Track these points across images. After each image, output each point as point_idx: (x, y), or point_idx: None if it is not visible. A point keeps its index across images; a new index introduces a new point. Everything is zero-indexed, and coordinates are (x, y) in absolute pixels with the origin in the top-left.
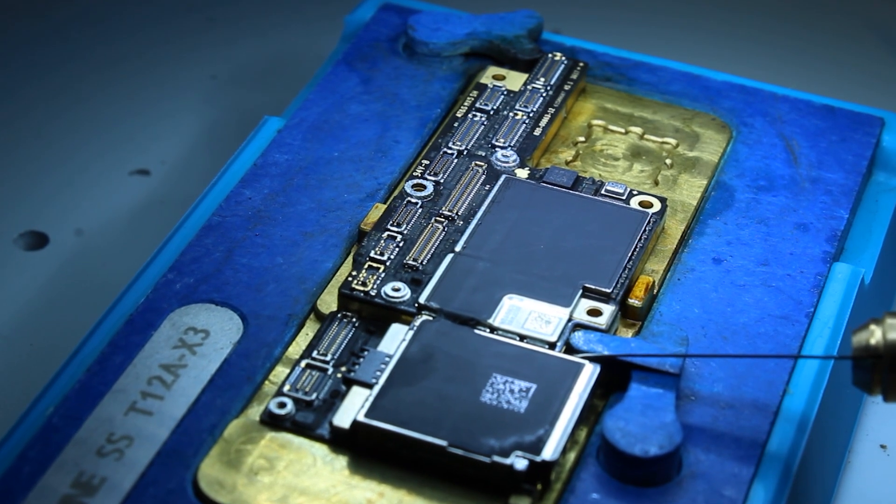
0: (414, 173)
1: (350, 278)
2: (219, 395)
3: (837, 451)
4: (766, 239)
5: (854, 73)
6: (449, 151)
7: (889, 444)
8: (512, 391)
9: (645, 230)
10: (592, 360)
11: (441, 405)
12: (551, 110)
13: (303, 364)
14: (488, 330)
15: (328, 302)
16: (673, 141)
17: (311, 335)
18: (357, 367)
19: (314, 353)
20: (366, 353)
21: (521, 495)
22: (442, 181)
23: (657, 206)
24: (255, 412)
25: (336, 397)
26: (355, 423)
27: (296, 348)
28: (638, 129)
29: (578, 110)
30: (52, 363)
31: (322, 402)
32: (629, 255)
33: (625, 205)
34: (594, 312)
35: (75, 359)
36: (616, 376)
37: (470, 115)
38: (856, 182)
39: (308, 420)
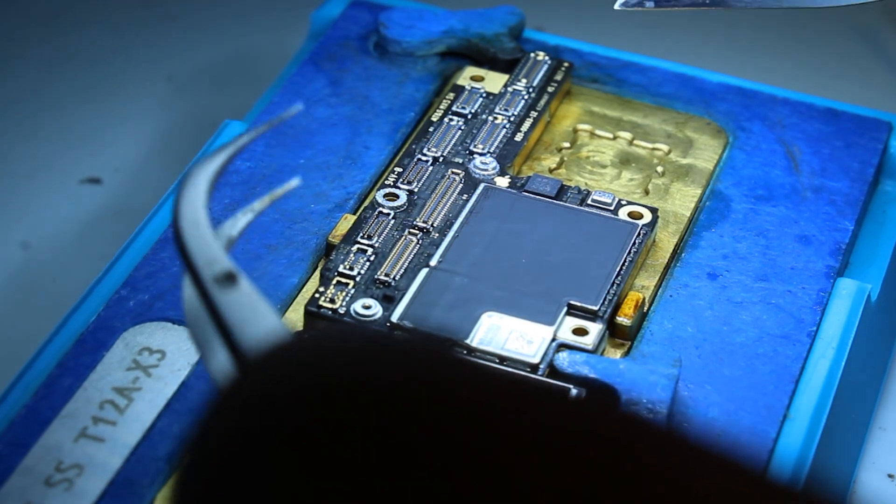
0: (386, 182)
1: (317, 295)
2: (176, 420)
3: (842, 480)
4: (764, 252)
5: (859, 75)
6: (423, 158)
7: None
8: None
9: (634, 243)
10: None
11: None
12: (534, 114)
13: None
14: (466, 351)
15: (294, 320)
16: (665, 147)
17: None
18: None
19: None
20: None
21: None
22: (416, 190)
23: (648, 216)
24: None
25: None
26: None
27: None
28: (627, 135)
29: (563, 114)
30: None
31: None
32: (617, 269)
33: (613, 216)
34: (580, 331)
35: (21, 382)
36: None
37: (446, 120)
38: (861, 191)
39: None
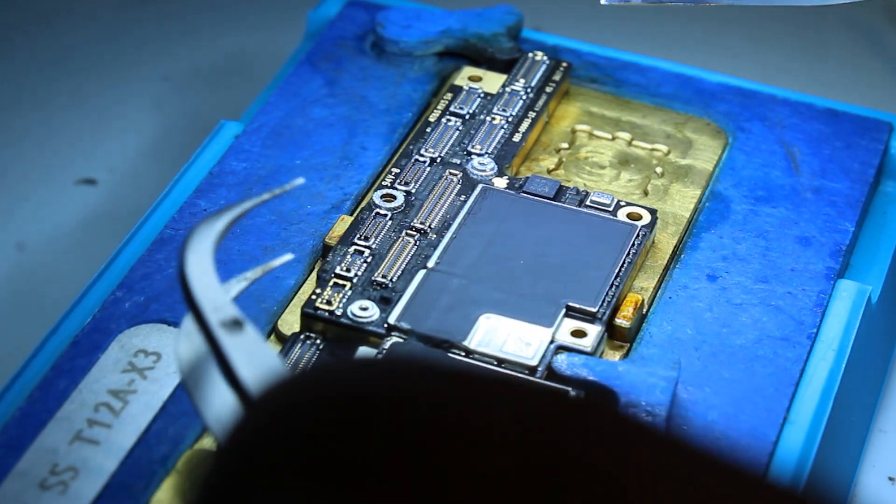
0: (383, 183)
1: (313, 297)
2: (171, 423)
3: (842, 483)
4: (764, 254)
5: (859, 75)
6: (421, 159)
7: None
8: None
9: (633, 244)
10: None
11: None
12: (532, 114)
13: None
14: (463, 353)
15: (290, 322)
16: (664, 147)
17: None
18: None
19: None
20: None
21: None
22: (413, 191)
23: (647, 218)
24: (210, 442)
25: None
26: None
27: None
28: (626, 135)
29: (561, 114)
30: None
31: None
32: (616, 271)
33: (612, 217)
34: (578, 333)
35: (15, 384)
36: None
37: (444, 120)
38: (862, 192)
39: None
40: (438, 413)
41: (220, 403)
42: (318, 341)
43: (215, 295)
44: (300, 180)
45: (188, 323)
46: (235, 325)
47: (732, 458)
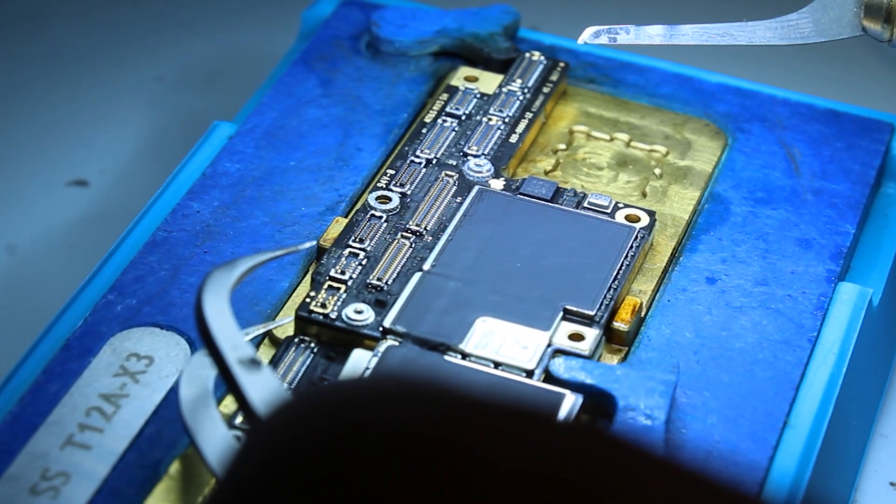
0: (378, 184)
1: (308, 299)
2: (164, 427)
3: (843, 488)
4: (764, 256)
5: (860, 75)
6: (417, 160)
7: None
8: None
9: (632, 246)
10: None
11: None
12: (529, 115)
13: None
14: (460, 356)
15: (284, 325)
16: (662, 149)
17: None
18: None
19: None
20: (325, 382)
21: None
22: (409, 193)
23: (645, 220)
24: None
25: None
26: None
27: None
28: (624, 136)
29: (559, 115)
30: None
31: None
32: (614, 274)
33: (610, 219)
34: (576, 337)
35: (6, 388)
36: (602, 405)
37: (440, 121)
38: (863, 194)
39: None
40: (442, 448)
41: (221, 442)
42: (313, 345)
43: (233, 333)
44: (311, 243)
45: (190, 367)
46: (254, 363)
47: (730, 483)
